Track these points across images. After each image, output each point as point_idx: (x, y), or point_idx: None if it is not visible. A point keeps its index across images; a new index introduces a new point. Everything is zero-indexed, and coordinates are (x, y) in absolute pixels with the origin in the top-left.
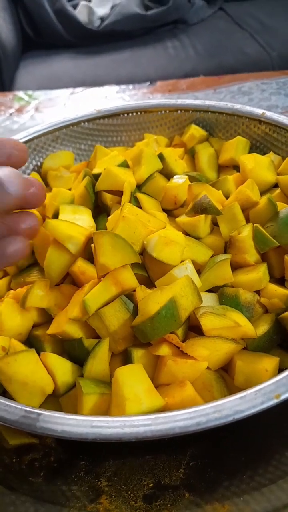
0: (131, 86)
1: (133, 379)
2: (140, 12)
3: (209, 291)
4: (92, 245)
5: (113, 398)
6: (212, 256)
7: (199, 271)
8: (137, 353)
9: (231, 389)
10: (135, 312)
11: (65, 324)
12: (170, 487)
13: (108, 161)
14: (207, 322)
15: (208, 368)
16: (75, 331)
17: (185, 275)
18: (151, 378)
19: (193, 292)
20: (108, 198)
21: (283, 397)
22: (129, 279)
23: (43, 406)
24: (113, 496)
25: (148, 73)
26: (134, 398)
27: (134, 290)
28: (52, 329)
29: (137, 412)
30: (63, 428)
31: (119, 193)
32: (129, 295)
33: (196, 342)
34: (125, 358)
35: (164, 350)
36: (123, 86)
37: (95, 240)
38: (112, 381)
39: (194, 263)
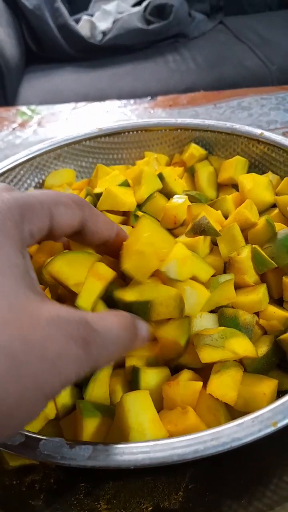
0: (132, 101)
1: (138, 407)
2: (142, 27)
3: (212, 310)
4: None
5: (116, 424)
6: (213, 275)
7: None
8: (145, 375)
9: (230, 412)
10: None
11: None
12: (169, 511)
13: (109, 180)
14: (205, 356)
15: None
16: None
17: (176, 292)
18: (158, 401)
19: (175, 307)
20: (109, 218)
21: (280, 424)
22: (107, 270)
23: (43, 429)
24: None
25: (150, 86)
26: (138, 428)
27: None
28: None
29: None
30: (62, 455)
31: (120, 213)
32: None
33: (216, 382)
34: (125, 378)
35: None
36: (124, 101)
37: (51, 274)
38: (116, 406)
39: (196, 279)
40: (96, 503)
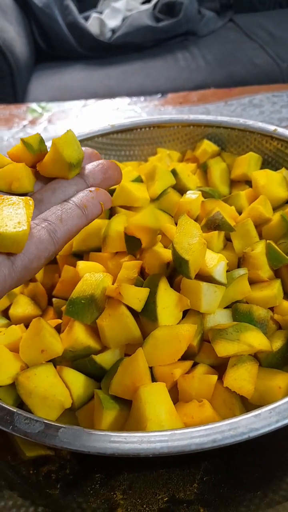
0: (142, 98)
1: (155, 399)
2: (151, 24)
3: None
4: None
5: (132, 415)
6: (228, 271)
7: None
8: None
9: (245, 405)
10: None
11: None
12: (185, 502)
13: (123, 176)
14: (221, 349)
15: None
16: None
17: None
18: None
19: None
20: (123, 213)
21: None
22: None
23: (59, 419)
24: (128, 510)
25: (159, 84)
26: (155, 419)
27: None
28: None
29: None
30: (82, 442)
31: (133, 209)
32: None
33: (233, 375)
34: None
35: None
36: (134, 98)
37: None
38: (133, 398)
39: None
40: (112, 493)
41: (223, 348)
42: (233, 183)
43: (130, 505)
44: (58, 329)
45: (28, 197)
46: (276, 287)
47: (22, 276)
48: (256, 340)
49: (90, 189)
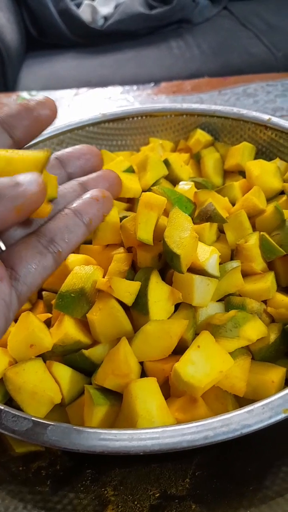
0: (135, 87)
1: (146, 395)
2: (144, 12)
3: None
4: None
5: (123, 411)
6: (220, 263)
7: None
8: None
9: (238, 399)
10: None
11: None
12: (177, 498)
13: (114, 166)
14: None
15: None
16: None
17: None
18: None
19: None
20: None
21: None
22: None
23: (48, 415)
24: (119, 506)
25: (153, 73)
26: (146, 415)
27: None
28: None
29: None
30: (71, 440)
31: (125, 200)
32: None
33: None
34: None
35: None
36: (127, 87)
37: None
38: (124, 393)
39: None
40: (103, 489)
41: (223, 347)
42: (227, 174)
43: (121, 502)
44: (48, 323)
45: None
46: (269, 280)
47: (23, 303)
48: (254, 331)
49: (97, 196)
